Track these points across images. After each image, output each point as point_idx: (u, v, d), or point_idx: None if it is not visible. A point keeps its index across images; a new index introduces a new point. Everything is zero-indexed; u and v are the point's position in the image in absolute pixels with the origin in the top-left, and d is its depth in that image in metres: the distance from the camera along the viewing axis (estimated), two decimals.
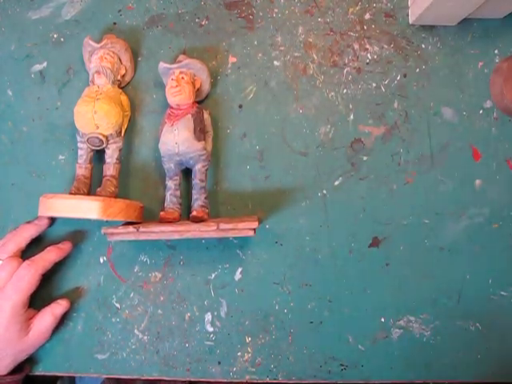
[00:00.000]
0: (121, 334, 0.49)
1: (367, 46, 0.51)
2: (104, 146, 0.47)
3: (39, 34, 0.52)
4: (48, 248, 0.47)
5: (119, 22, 0.52)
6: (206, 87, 0.49)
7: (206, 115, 0.47)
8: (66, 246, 0.48)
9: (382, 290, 0.49)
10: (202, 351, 0.49)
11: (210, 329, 0.49)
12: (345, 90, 0.50)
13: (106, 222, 0.48)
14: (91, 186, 0.48)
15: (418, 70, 0.50)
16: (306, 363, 0.49)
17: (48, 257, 0.46)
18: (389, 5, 0.51)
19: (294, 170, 0.50)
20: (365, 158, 0.50)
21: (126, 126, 0.49)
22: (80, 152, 0.47)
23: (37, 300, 0.48)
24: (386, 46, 0.51)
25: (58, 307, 0.48)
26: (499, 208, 0.49)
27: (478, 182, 0.50)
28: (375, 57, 0.51)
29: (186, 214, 0.49)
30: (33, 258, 0.46)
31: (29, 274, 0.45)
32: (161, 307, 0.50)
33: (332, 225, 0.50)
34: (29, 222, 0.48)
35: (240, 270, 0.50)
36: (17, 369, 0.47)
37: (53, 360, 0.49)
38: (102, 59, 0.47)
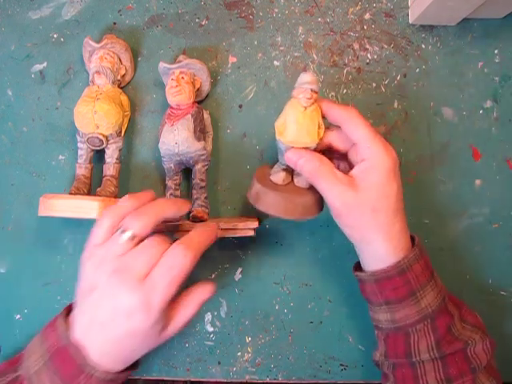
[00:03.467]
0: None
1: (367, 46, 0.51)
2: (104, 146, 0.47)
3: (39, 34, 0.52)
4: (197, 229, 0.39)
5: (119, 22, 0.52)
6: (206, 87, 0.49)
7: (205, 115, 0.47)
8: (213, 228, 0.40)
9: None
10: (201, 351, 0.49)
11: (210, 329, 0.49)
12: (345, 90, 0.50)
13: None
14: (91, 186, 0.48)
15: (418, 69, 0.50)
16: (306, 363, 0.49)
17: (203, 239, 0.37)
18: (389, 5, 0.51)
19: None
20: None
21: (125, 126, 0.49)
22: (80, 152, 0.47)
23: None
24: (385, 46, 0.51)
25: (205, 293, 0.39)
26: (499, 208, 0.49)
27: (477, 181, 0.50)
28: (375, 57, 0.51)
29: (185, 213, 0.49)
30: (185, 239, 0.37)
31: (186, 260, 0.35)
32: None
33: (332, 225, 0.49)
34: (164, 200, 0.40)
35: (240, 270, 0.50)
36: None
37: None
38: (102, 59, 0.47)
